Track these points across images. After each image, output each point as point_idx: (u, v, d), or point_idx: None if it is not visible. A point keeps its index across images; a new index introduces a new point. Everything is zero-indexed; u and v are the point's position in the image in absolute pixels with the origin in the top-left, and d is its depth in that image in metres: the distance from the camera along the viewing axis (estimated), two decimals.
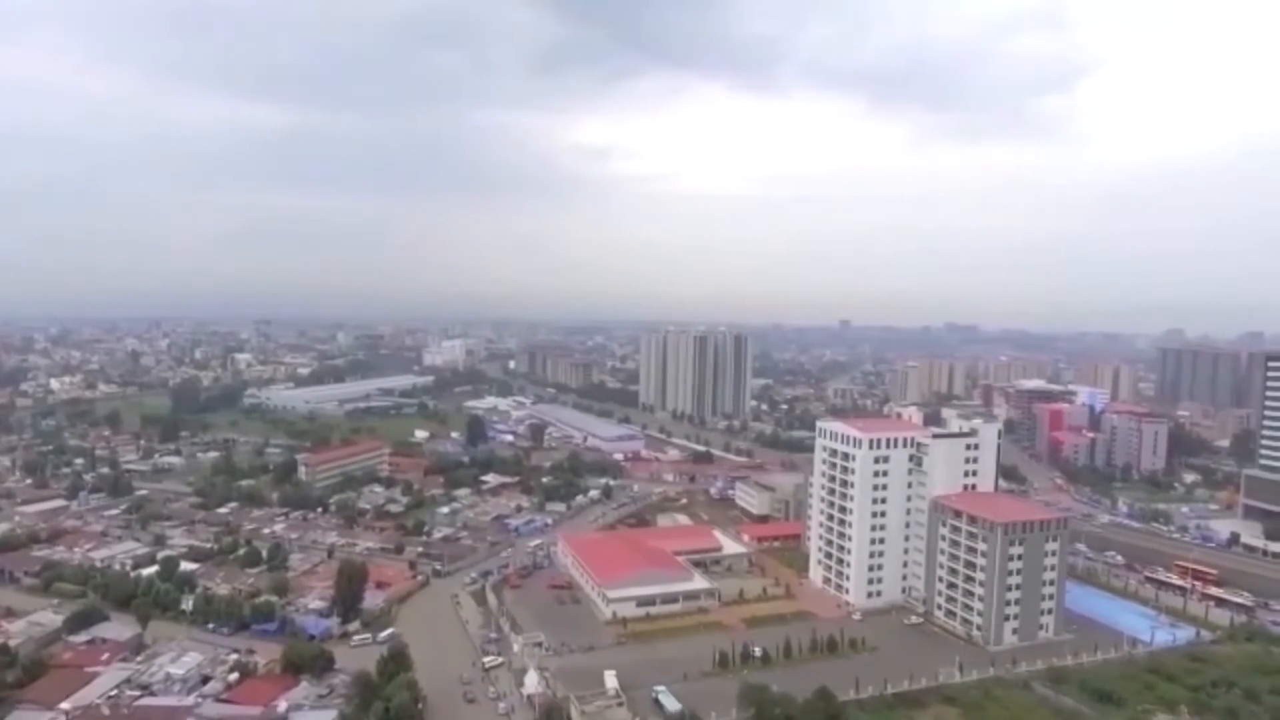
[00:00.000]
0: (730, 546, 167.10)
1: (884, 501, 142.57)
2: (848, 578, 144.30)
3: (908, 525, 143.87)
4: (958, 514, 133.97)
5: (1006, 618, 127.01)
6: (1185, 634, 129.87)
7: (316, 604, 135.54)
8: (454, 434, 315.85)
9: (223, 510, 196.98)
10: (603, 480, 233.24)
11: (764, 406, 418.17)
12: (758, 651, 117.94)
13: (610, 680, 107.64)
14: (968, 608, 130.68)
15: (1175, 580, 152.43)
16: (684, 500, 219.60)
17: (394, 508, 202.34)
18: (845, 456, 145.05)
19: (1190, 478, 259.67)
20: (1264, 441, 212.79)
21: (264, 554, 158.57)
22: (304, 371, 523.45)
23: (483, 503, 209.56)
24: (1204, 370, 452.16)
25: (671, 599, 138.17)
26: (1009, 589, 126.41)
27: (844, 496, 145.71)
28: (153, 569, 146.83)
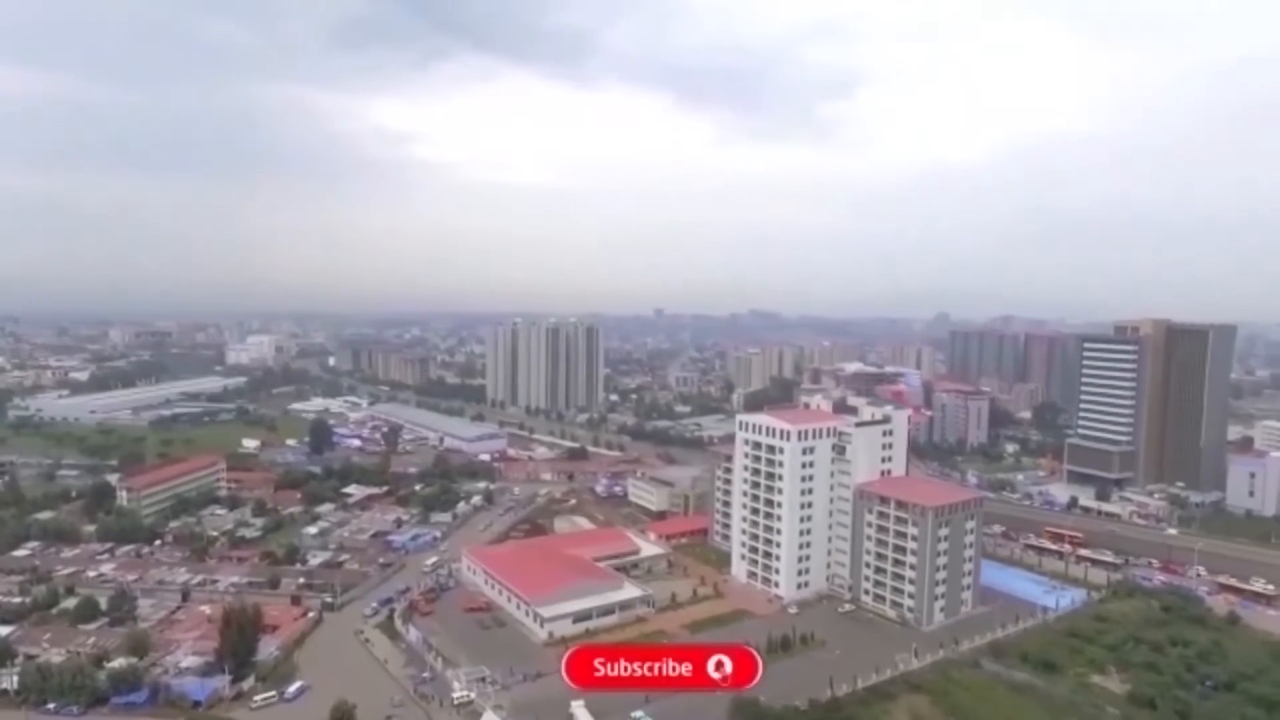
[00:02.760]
0: (647, 548, 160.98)
1: (810, 492, 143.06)
2: (776, 571, 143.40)
3: (831, 514, 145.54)
4: (884, 500, 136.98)
5: (935, 598, 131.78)
6: (1078, 595, 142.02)
7: (191, 660, 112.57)
8: (290, 441, 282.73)
9: (21, 553, 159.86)
10: (481, 484, 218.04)
11: (614, 398, 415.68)
12: None
13: (581, 713, 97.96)
14: (897, 591, 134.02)
15: (1050, 545, 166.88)
16: (573, 501, 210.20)
17: (248, 532, 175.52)
18: (772, 449, 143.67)
19: (1011, 448, 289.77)
20: (1081, 414, 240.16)
21: (102, 604, 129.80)
22: (79, 376, 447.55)
23: (353, 519, 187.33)
24: (990, 350, 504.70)
25: (607, 611, 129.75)
26: (937, 569, 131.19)
27: (770, 490, 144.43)
28: None
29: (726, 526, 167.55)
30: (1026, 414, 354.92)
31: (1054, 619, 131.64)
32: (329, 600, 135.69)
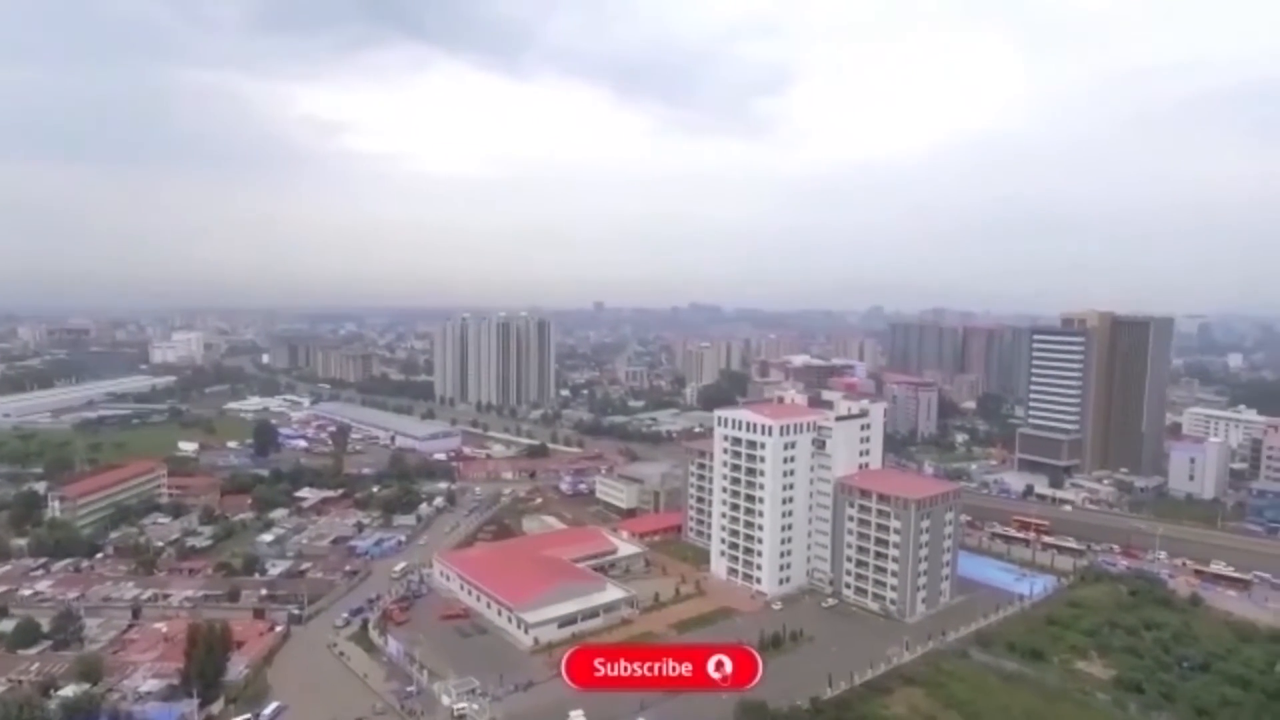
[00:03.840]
0: (623, 547, 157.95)
1: (791, 487, 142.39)
2: (758, 567, 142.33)
3: (811, 508, 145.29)
4: (865, 493, 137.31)
5: (917, 589, 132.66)
6: (1048, 582, 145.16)
7: (151, 684, 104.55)
8: (231, 443, 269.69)
9: None
10: (441, 485, 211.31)
11: (565, 393, 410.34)
12: None
13: None
14: (879, 584, 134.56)
15: (1016, 533, 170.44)
16: (539, 500, 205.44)
17: (198, 542, 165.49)
18: (753, 445, 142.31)
19: (961, 438, 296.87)
20: (1031, 403, 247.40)
21: (44, 625, 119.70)
22: None
23: (310, 524, 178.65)
24: (930, 342, 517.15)
25: (592, 614, 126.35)
26: (919, 561, 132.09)
27: (752, 485, 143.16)
28: None
29: (701, 523, 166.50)
30: (971, 404, 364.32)
31: (1030, 606, 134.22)
32: (296, 612, 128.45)
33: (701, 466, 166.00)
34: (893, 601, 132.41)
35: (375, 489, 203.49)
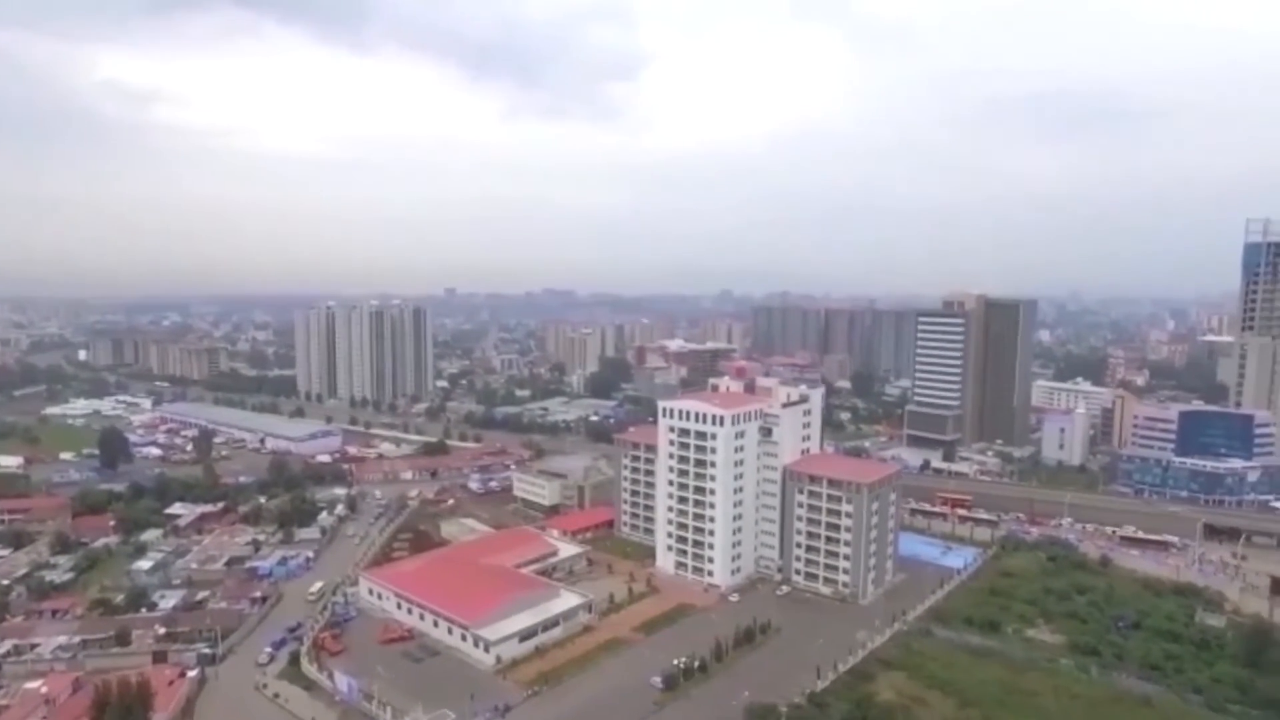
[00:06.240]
0: (563, 548, 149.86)
1: (741, 477, 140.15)
2: (710, 560, 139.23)
3: (758, 496, 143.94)
4: (815, 479, 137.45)
5: (868, 570, 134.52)
6: (974, 553, 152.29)
7: None
8: (65, 455, 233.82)
9: None
10: (339, 490, 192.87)
11: (443, 384, 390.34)
12: (695, 663, 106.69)
13: None
14: (831, 568, 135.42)
15: (932, 508, 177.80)
16: (450, 501, 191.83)
17: (55, 576, 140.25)
18: (702, 435, 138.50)
19: (844, 416, 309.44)
20: (917, 383, 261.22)
21: None
22: None
23: (193, 545, 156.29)
24: (793, 324, 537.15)
25: (552, 623, 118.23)
26: (870, 544, 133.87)
27: (701, 476, 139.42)
28: None
29: (637, 517, 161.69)
30: (845, 383, 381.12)
31: (969, 578, 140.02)
32: (206, 651, 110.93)
33: (636, 459, 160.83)
34: (845, 585, 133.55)
35: (262, 500, 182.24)
